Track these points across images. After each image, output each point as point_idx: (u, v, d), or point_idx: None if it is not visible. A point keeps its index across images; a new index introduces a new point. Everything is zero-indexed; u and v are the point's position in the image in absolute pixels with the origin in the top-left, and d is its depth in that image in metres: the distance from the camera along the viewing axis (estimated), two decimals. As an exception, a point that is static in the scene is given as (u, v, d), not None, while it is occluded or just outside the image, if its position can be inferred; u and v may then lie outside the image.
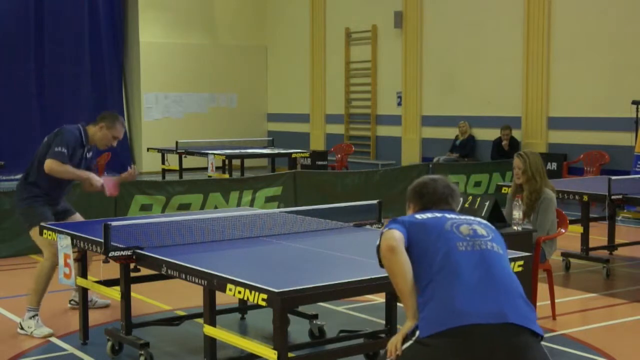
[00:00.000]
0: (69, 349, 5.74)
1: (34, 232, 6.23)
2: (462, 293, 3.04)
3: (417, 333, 3.07)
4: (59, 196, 6.62)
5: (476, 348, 2.94)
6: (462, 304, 3.00)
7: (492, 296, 3.06)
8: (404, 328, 3.21)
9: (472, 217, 3.55)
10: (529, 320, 3.04)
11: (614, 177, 7.85)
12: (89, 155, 6.61)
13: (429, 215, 3.45)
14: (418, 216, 3.45)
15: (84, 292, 5.88)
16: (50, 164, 6.24)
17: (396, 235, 3.28)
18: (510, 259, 4.62)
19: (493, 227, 3.53)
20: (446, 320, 2.98)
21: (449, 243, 3.25)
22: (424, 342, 3.00)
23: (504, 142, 14.34)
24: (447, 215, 3.45)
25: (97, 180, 6.48)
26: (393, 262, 3.23)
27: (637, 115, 12.65)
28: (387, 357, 3.18)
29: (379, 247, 3.35)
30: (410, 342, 3.10)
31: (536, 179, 6.42)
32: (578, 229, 8.35)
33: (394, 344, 3.19)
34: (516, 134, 14.54)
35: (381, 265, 3.38)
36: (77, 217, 6.82)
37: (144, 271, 5.42)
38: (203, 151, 14.38)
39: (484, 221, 3.56)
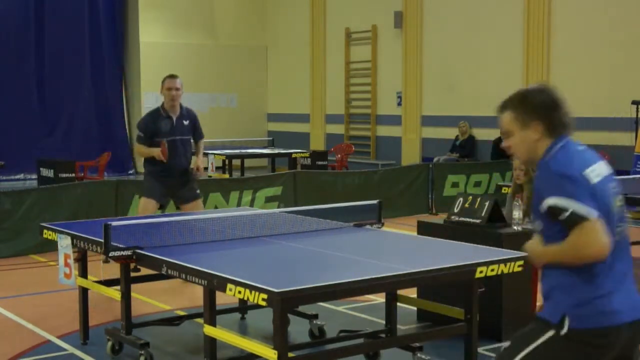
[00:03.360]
0: (69, 349, 5.74)
1: None
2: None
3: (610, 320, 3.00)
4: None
5: None
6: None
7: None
8: (542, 259, 3.09)
9: (606, 168, 3.17)
10: None
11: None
12: (181, 122, 7.71)
13: (597, 174, 3.07)
14: (593, 177, 3.03)
15: (84, 292, 5.87)
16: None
17: (607, 242, 2.93)
18: (510, 259, 4.67)
19: (615, 178, 3.19)
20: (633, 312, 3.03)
21: (612, 229, 3.01)
22: (607, 332, 3.00)
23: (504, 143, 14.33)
24: (600, 172, 3.10)
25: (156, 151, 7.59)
26: (581, 261, 2.96)
27: (637, 115, 12.65)
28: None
29: (573, 224, 2.92)
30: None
31: (538, 179, 6.41)
32: (578, 229, 8.33)
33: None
34: (516, 134, 14.53)
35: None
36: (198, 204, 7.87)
37: (144, 271, 5.42)
38: (203, 151, 14.35)
39: (610, 170, 3.20)
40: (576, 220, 2.91)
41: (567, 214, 2.92)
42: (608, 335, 2.98)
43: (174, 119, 7.71)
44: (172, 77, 7.74)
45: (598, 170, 3.08)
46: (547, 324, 3.02)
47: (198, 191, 7.99)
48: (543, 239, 3.11)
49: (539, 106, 3.15)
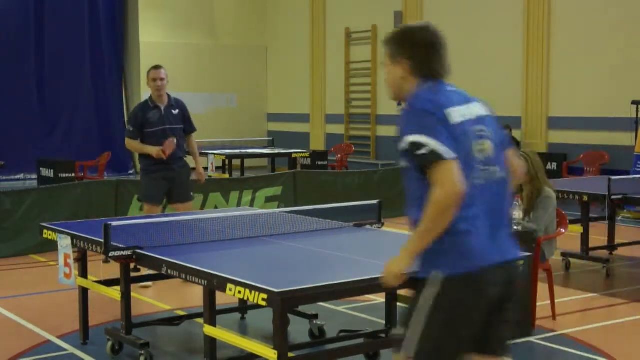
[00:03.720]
0: (69, 349, 5.73)
1: None
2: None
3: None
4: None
5: None
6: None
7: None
8: (403, 261, 3.06)
9: (477, 111, 3.15)
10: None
11: (614, 177, 7.86)
12: (170, 112, 7.70)
13: (462, 114, 3.01)
14: (455, 117, 2.98)
15: (84, 292, 5.87)
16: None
17: (460, 183, 2.85)
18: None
19: (492, 121, 3.21)
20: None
21: (471, 172, 2.96)
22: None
23: (504, 142, 14.34)
24: (466, 114, 3.04)
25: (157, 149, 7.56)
26: (447, 217, 2.89)
27: (637, 115, 12.65)
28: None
29: (424, 166, 2.90)
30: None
31: (539, 177, 6.45)
32: (578, 229, 8.35)
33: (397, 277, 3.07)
34: (516, 134, 14.54)
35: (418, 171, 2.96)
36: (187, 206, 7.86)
37: (144, 271, 5.42)
38: (203, 151, 14.34)
39: (485, 113, 3.18)
40: (431, 158, 2.87)
41: (423, 150, 2.88)
42: (478, 279, 2.95)
43: (162, 108, 7.71)
44: (157, 67, 7.75)
45: (464, 111, 3.03)
46: (422, 282, 3.00)
47: (192, 194, 7.99)
48: (406, 183, 3.09)
49: (412, 44, 3.10)
